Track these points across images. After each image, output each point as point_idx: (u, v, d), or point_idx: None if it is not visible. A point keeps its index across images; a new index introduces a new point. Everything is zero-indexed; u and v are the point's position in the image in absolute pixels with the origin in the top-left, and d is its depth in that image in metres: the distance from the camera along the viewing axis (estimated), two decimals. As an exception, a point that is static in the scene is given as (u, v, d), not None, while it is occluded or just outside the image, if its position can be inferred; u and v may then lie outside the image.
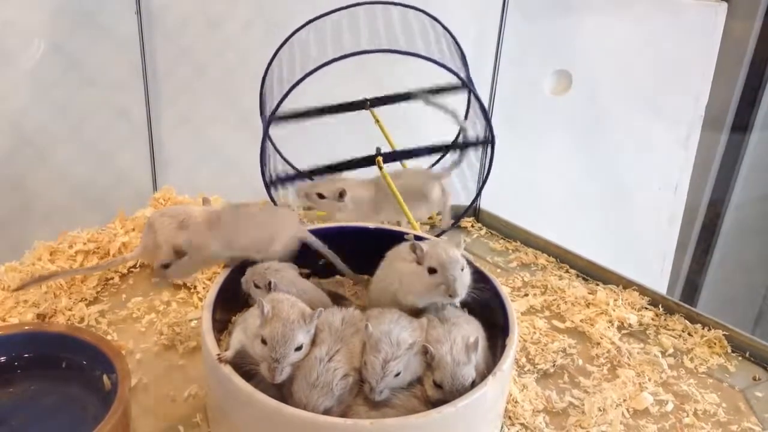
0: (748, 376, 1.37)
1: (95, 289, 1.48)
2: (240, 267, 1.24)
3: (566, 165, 2.31)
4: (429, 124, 1.83)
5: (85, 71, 2.02)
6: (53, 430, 1.10)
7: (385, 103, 1.75)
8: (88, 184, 2.12)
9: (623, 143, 2.27)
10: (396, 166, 1.68)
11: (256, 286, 1.20)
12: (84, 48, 1.99)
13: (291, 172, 1.68)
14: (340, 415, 1.01)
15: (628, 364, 1.36)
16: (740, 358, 1.42)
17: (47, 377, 1.16)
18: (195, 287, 1.51)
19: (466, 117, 1.76)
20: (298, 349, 1.03)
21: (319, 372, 1.01)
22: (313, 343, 1.06)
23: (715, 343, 1.44)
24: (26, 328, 1.22)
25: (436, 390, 1.04)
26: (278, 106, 1.44)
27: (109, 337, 1.34)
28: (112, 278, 1.53)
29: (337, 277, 1.41)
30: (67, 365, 1.17)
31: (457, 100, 1.76)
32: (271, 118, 1.47)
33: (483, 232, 1.84)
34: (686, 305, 1.53)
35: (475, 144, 1.64)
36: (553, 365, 1.35)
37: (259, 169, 1.53)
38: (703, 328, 1.47)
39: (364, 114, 1.76)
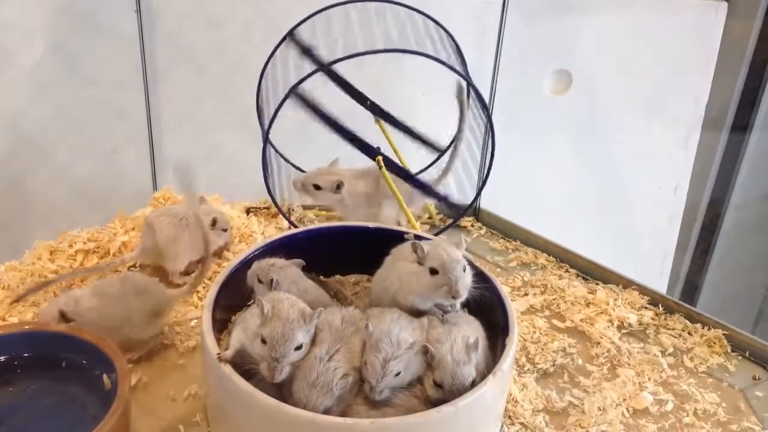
0: (748, 375, 1.37)
1: (95, 288, 1.48)
2: (241, 267, 1.24)
3: (566, 165, 2.31)
4: (430, 125, 1.83)
5: (85, 71, 2.02)
6: (53, 429, 1.10)
7: (383, 117, 1.75)
8: (88, 184, 2.13)
9: (623, 143, 2.27)
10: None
11: (260, 281, 1.20)
12: (84, 48, 1.99)
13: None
14: (340, 414, 1.01)
15: (628, 364, 1.36)
16: (740, 357, 1.42)
17: (47, 377, 1.16)
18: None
19: (464, 118, 1.76)
20: (298, 348, 1.03)
21: (319, 371, 1.01)
22: (313, 342, 1.06)
23: (715, 343, 1.44)
24: (26, 327, 1.22)
25: (436, 389, 1.04)
26: (279, 108, 1.44)
27: (108, 337, 1.34)
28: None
29: (337, 276, 1.41)
30: (66, 365, 1.17)
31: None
32: (272, 119, 1.47)
33: (483, 231, 1.84)
34: (686, 305, 1.53)
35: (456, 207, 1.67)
36: (553, 365, 1.35)
37: (260, 168, 1.53)
38: (703, 328, 1.48)
39: (364, 114, 1.75)
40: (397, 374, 1.03)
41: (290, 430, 0.96)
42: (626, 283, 1.60)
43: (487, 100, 1.94)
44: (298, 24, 1.66)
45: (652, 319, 1.50)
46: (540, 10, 2.15)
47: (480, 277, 1.19)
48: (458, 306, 1.15)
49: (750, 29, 2.14)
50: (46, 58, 1.97)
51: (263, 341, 1.02)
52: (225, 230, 1.58)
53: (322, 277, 1.38)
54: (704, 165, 2.29)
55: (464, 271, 1.12)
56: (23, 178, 2.06)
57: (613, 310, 1.51)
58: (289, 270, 1.22)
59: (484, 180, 1.64)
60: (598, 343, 1.41)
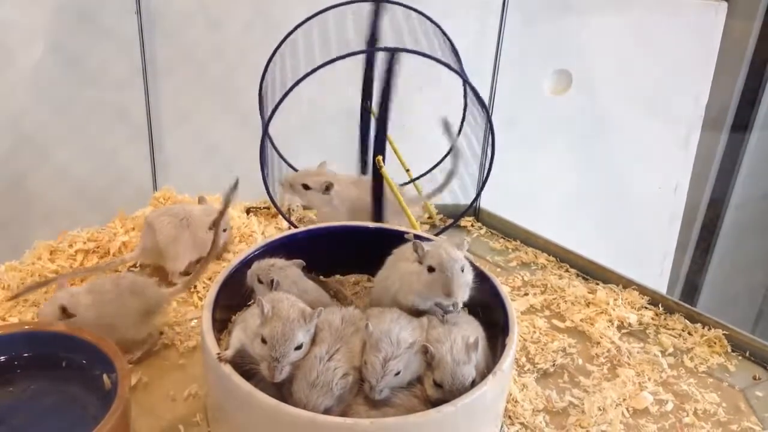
0: (748, 375, 1.37)
1: (95, 288, 1.48)
2: (241, 267, 1.24)
3: (566, 164, 2.31)
4: (429, 125, 1.83)
5: (85, 71, 2.02)
6: (53, 429, 1.10)
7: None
8: (88, 184, 2.13)
9: (623, 143, 2.27)
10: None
11: (260, 282, 1.20)
12: (84, 48, 1.99)
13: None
14: (340, 414, 1.01)
15: (628, 364, 1.36)
16: (740, 357, 1.42)
17: (47, 377, 1.16)
18: (195, 287, 1.50)
19: (464, 118, 1.76)
20: (298, 348, 1.03)
21: (319, 371, 1.01)
22: (313, 342, 1.06)
23: (715, 343, 1.44)
24: (26, 327, 1.22)
25: (436, 389, 1.04)
26: (276, 108, 1.44)
27: (109, 337, 1.34)
28: (112, 278, 1.53)
29: (337, 276, 1.41)
30: (66, 365, 1.17)
31: (457, 101, 1.76)
32: (269, 119, 1.47)
33: (483, 231, 1.84)
34: (686, 305, 1.53)
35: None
36: (553, 365, 1.35)
37: (260, 168, 1.53)
38: (703, 328, 1.47)
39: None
40: (397, 374, 1.03)
41: (290, 430, 0.96)
42: (626, 283, 1.60)
43: (487, 100, 1.94)
44: (311, 17, 1.65)
45: (652, 319, 1.50)
46: (540, 10, 2.15)
47: (480, 276, 1.19)
48: (460, 306, 1.14)
49: (750, 29, 2.14)
50: (46, 58, 1.97)
51: (263, 341, 1.02)
52: (224, 230, 1.58)
53: (322, 277, 1.38)
54: (704, 165, 2.29)
55: (462, 270, 1.12)
56: (23, 178, 2.06)
57: (613, 310, 1.51)
58: (289, 270, 1.22)
59: (484, 180, 1.64)
60: (598, 343, 1.41)
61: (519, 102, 2.18)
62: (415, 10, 1.68)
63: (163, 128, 2.15)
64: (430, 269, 1.11)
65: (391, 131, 1.75)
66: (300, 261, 1.25)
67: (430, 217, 1.84)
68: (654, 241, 2.36)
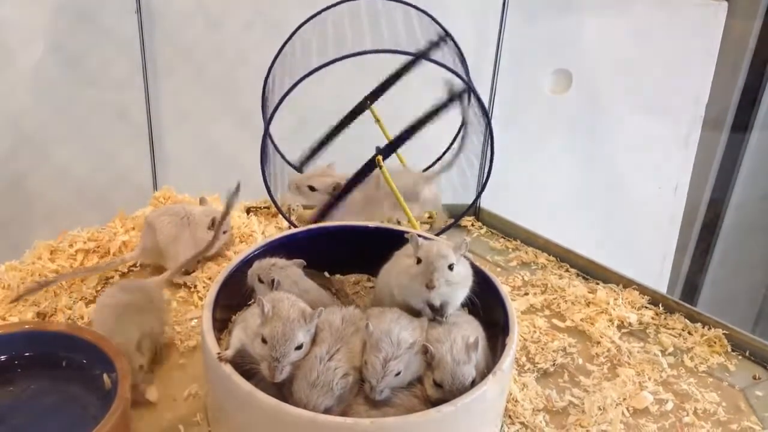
0: (748, 375, 1.37)
1: (95, 288, 1.48)
2: (241, 266, 1.24)
3: (566, 164, 2.31)
4: (429, 126, 1.83)
5: (85, 71, 2.02)
6: (53, 429, 1.10)
7: (382, 91, 1.74)
8: (89, 184, 2.13)
9: (623, 143, 2.27)
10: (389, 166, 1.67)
11: (260, 281, 1.20)
12: (84, 48, 1.99)
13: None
14: (341, 414, 1.01)
15: (628, 363, 1.36)
16: (740, 357, 1.42)
17: (47, 376, 1.16)
18: (195, 286, 1.51)
19: (464, 118, 1.76)
20: (299, 348, 1.03)
21: (319, 371, 1.01)
22: (314, 342, 1.06)
23: (715, 342, 1.44)
24: (26, 326, 1.22)
25: (436, 389, 1.04)
26: (277, 107, 1.44)
27: (109, 337, 1.34)
28: (112, 277, 1.53)
29: (338, 276, 1.41)
30: (67, 364, 1.17)
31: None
32: (270, 118, 1.47)
33: (483, 231, 1.84)
34: (686, 304, 1.53)
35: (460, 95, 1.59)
36: (553, 364, 1.35)
37: (260, 168, 1.53)
38: (703, 327, 1.47)
39: (363, 114, 1.75)
40: (398, 374, 1.03)
41: (290, 430, 0.96)
42: (626, 283, 1.60)
43: (487, 99, 1.94)
44: (315, 15, 1.65)
45: (652, 318, 1.50)
46: (540, 10, 2.15)
47: (480, 276, 1.19)
48: (447, 311, 1.14)
49: (750, 29, 2.14)
50: (46, 58, 1.97)
51: (264, 341, 1.02)
52: (224, 232, 1.57)
53: (326, 273, 1.38)
54: (704, 165, 2.29)
55: (451, 269, 1.11)
56: (23, 177, 2.07)
57: (614, 309, 1.51)
58: (289, 270, 1.22)
59: (484, 181, 1.64)
60: (599, 343, 1.41)
61: (519, 102, 2.18)
62: (420, 9, 1.68)
63: (163, 128, 2.15)
64: (418, 261, 1.12)
65: (392, 131, 1.76)
66: (301, 261, 1.25)
67: (430, 217, 1.84)
68: (654, 240, 2.36)
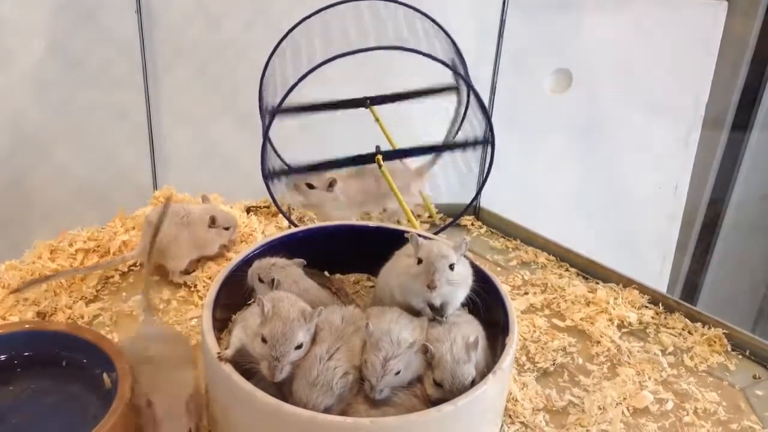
0: (748, 374, 1.37)
1: (95, 287, 1.48)
2: (241, 266, 1.24)
3: (566, 164, 2.31)
4: (429, 125, 1.83)
5: (85, 71, 2.02)
6: (53, 428, 1.10)
7: (384, 102, 1.75)
8: (89, 183, 2.13)
9: (623, 142, 2.27)
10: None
11: (260, 281, 1.20)
12: (84, 48, 1.99)
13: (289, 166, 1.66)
14: (340, 413, 1.01)
15: (628, 363, 1.36)
16: (740, 356, 1.42)
17: (47, 376, 1.16)
18: (195, 286, 1.51)
19: (464, 117, 1.76)
20: (298, 347, 1.03)
21: (319, 370, 1.01)
22: (314, 341, 1.06)
23: (715, 342, 1.44)
24: (26, 326, 1.22)
25: (436, 389, 1.04)
26: (280, 104, 1.44)
27: (109, 336, 1.34)
28: (113, 276, 1.53)
29: (338, 276, 1.41)
30: (67, 364, 1.17)
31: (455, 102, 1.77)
32: (272, 117, 1.47)
33: (483, 230, 1.84)
34: (686, 304, 1.53)
35: (473, 144, 1.63)
36: (553, 364, 1.35)
37: (260, 167, 1.53)
38: (703, 327, 1.48)
39: (363, 113, 1.76)
40: (398, 373, 1.03)
41: (290, 429, 0.96)
42: (626, 282, 1.60)
43: (487, 99, 1.94)
44: (314, 13, 1.66)
45: (653, 318, 1.50)
46: (540, 9, 2.15)
47: (480, 276, 1.19)
48: (450, 310, 1.14)
49: (750, 29, 2.14)
50: (46, 58, 1.97)
51: (264, 340, 1.02)
52: (227, 228, 1.57)
53: (326, 272, 1.38)
54: (704, 164, 2.29)
55: (452, 269, 1.11)
56: (23, 177, 2.07)
57: (614, 309, 1.51)
58: (290, 269, 1.22)
59: (484, 179, 1.64)
60: (599, 342, 1.41)
61: (519, 101, 2.18)
62: (418, 11, 1.68)
63: (163, 128, 2.15)
64: (419, 261, 1.12)
65: (392, 130, 1.76)
66: (301, 260, 1.25)
67: (430, 216, 1.84)
68: (654, 240, 2.36)
